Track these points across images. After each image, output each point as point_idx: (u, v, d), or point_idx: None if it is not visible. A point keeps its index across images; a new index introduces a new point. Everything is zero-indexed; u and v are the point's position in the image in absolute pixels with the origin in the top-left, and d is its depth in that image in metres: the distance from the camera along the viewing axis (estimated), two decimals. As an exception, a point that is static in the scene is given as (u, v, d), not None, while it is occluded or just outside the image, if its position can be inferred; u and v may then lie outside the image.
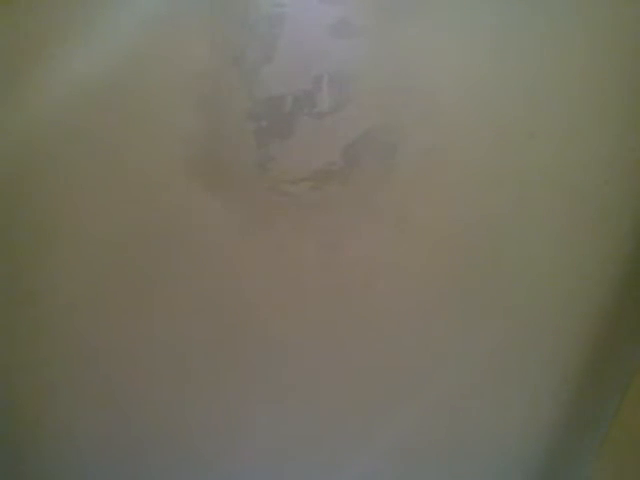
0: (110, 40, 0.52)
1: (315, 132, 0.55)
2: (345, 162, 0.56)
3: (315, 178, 0.56)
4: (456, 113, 0.55)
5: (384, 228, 0.59)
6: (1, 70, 0.53)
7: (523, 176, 0.57)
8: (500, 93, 0.54)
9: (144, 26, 0.52)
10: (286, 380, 0.66)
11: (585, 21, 0.52)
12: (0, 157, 0.56)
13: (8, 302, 0.62)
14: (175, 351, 0.65)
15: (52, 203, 0.58)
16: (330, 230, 0.59)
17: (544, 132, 0.56)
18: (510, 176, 0.57)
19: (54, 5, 0.51)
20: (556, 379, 0.67)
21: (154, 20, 0.51)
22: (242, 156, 0.56)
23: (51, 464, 0.71)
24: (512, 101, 0.55)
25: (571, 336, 0.65)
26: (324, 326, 0.64)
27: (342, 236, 0.59)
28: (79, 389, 0.67)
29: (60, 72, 0.53)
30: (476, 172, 0.57)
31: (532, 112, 0.55)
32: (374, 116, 0.54)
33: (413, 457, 0.71)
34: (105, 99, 0.54)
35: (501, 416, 0.69)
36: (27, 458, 0.71)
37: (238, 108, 0.54)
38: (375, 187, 0.57)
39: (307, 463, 0.72)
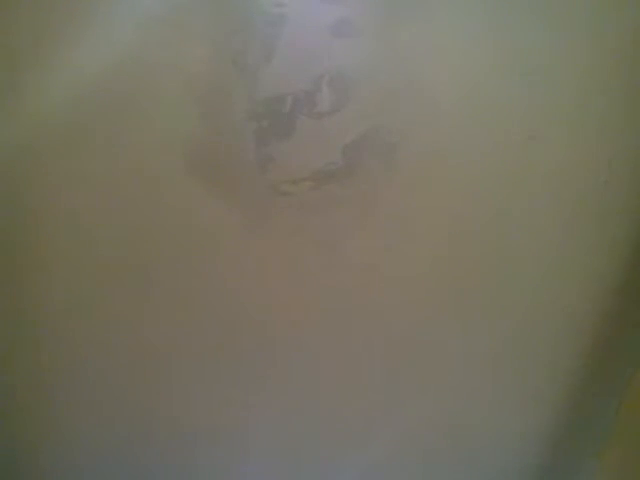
0: (110, 40, 0.52)
1: (315, 132, 0.55)
2: (345, 162, 0.56)
3: (315, 178, 0.56)
4: (456, 114, 0.55)
5: (384, 228, 0.59)
6: (0, 71, 0.53)
7: (523, 177, 0.57)
8: (500, 94, 0.54)
9: (144, 26, 0.52)
10: (286, 380, 0.66)
11: (585, 22, 0.53)
12: (0, 157, 0.56)
13: (7, 303, 0.62)
14: (175, 351, 0.65)
15: (51, 203, 0.58)
16: (330, 230, 0.59)
17: (544, 134, 0.56)
18: (510, 176, 0.57)
19: (54, 5, 0.51)
20: (556, 379, 0.67)
21: (154, 20, 0.51)
22: (242, 156, 0.55)
23: (51, 465, 0.71)
24: (512, 102, 0.55)
25: (571, 336, 0.65)
26: (324, 326, 0.64)
27: (342, 236, 0.59)
28: (79, 390, 0.67)
29: (59, 73, 0.53)
30: (476, 172, 0.57)
31: (532, 113, 0.55)
32: (374, 116, 0.54)
33: (413, 457, 0.71)
34: (105, 99, 0.54)
35: (501, 416, 0.69)
36: (27, 458, 0.71)
37: (238, 108, 0.54)
38: (375, 187, 0.57)
39: (306, 462, 0.72)
